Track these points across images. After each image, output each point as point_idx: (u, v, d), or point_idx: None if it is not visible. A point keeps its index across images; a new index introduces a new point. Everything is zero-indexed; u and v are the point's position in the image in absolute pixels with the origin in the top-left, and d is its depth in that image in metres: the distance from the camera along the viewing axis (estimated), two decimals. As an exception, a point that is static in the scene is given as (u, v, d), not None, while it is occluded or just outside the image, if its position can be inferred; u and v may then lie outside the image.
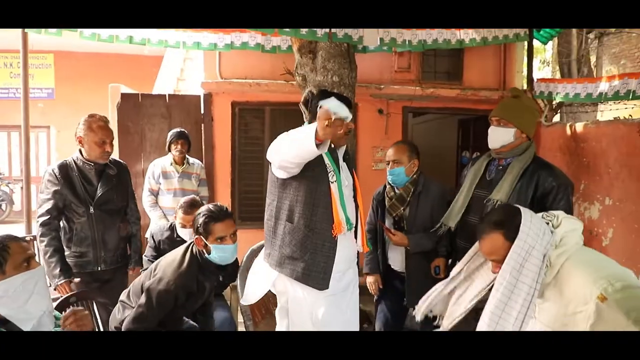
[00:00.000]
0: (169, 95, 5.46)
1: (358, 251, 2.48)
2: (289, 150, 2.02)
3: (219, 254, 2.27)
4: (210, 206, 2.33)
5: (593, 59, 8.63)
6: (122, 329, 2.31)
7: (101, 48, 8.25)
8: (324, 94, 2.38)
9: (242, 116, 5.59)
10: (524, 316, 1.56)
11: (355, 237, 2.43)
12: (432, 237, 2.75)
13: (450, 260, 2.83)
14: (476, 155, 4.01)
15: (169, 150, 4.20)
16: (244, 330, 2.87)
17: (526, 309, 1.56)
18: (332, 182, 2.27)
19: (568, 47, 6.87)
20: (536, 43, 5.81)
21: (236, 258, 2.47)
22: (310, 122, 2.54)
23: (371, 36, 4.20)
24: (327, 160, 2.31)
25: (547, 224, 1.65)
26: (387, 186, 3.01)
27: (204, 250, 2.29)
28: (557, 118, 6.53)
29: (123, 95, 5.28)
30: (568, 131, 5.04)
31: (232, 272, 2.89)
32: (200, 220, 2.25)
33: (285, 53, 4.76)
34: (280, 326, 2.46)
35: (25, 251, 1.53)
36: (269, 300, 3.21)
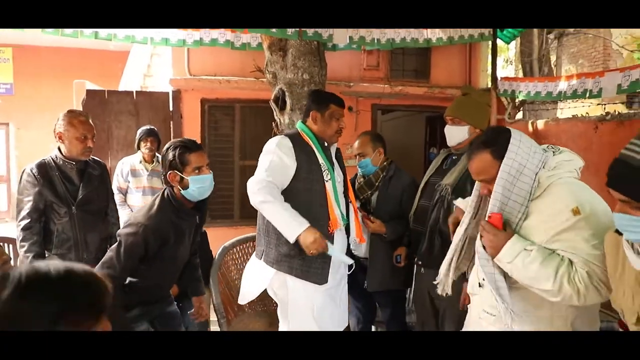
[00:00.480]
0: (136, 92, 5.38)
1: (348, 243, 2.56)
2: (269, 216, 2.22)
3: (197, 185, 2.10)
4: (179, 139, 2.20)
5: (553, 58, 8.94)
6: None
7: (64, 42, 8.02)
8: (321, 97, 2.52)
9: (212, 113, 5.55)
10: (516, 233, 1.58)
11: (347, 231, 2.50)
12: (404, 223, 2.84)
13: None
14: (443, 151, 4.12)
15: (138, 148, 4.13)
16: (218, 329, 2.87)
17: (519, 227, 1.58)
18: (326, 181, 2.33)
19: (530, 47, 7.11)
20: (500, 42, 5.99)
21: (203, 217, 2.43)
22: (304, 120, 2.55)
23: (340, 34, 4.25)
24: (321, 160, 2.36)
25: (552, 153, 1.66)
26: (359, 173, 3.11)
27: (180, 187, 2.12)
28: (520, 115, 6.76)
29: (88, 92, 5.16)
30: (530, 128, 5.23)
31: (205, 213, 2.68)
32: (173, 153, 2.09)
33: (255, 50, 4.75)
34: (283, 325, 2.46)
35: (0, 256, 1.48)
36: (241, 298, 3.23)
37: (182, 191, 2.13)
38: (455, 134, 2.52)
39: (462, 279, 2.14)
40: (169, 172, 2.10)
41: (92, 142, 2.78)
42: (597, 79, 3.90)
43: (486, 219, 1.59)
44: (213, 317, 2.86)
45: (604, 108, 5.10)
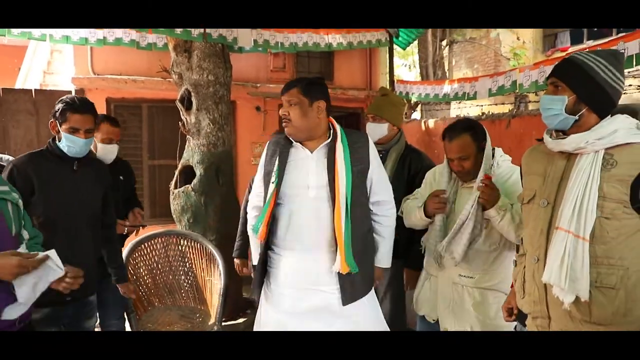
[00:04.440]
0: (35, 90, 5.18)
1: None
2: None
3: (67, 143, 2.11)
4: (76, 97, 2.20)
5: (449, 63, 9.77)
6: None
7: (-51, 36, 7.43)
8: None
9: (119, 113, 5.49)
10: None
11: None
12: None
13: None
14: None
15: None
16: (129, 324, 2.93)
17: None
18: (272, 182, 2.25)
19: (425, 53, 7.76)
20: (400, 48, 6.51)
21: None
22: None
23: (245, 37, 4.44)
24: None
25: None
26: None
27: (56, 137, 2.16)
28: (416, 115, 7.36)
29: (-20, 90, 4.91)
30: (422, 127, 5.77)
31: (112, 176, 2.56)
32: (59, 105, 2.13)
33: (161, 50, 4.80)
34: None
35: None
36: (150, 293, 3.32)
37: (57, 141, 2.17)
38: (377, 131, 2.79)
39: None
40: (51, 120, 2.15)
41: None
42: (472, 83, 4.46)
43: (479, 181, 1.98)
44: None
45: (481, 108, 5.75)
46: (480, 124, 2.14)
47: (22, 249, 1.59)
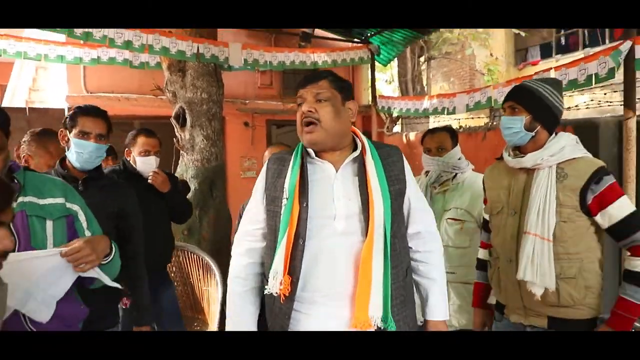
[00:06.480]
0: (29, 108, 5.30)
1: None
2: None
3: (76, 149, 1.93)
4: (85, 104, 2.09)
5: (427, 78, 10.15)
6: None
7: None
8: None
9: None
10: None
11: None
12: None
13: None
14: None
15: None
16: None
17: None
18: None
19: (405, 68, 8.09)
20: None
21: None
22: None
23: (236, 57, 4.64)
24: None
25: None
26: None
27: (66, 147, 2.00)
28: (397, 128, 7.66)
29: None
30: (404, 139, 6.06)
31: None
32: (70, 113, 2.02)
33: (153, 69, 4.96)
34: None
35: None
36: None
37: (67, 152, 2.00)
38: None
39: None
40: (60, 129, 2.01)
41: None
42: (450, 99, 4.74)
43: None
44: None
45: (459, 122, 6.06)
46: (455, 131, 2.56)
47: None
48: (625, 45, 2.74)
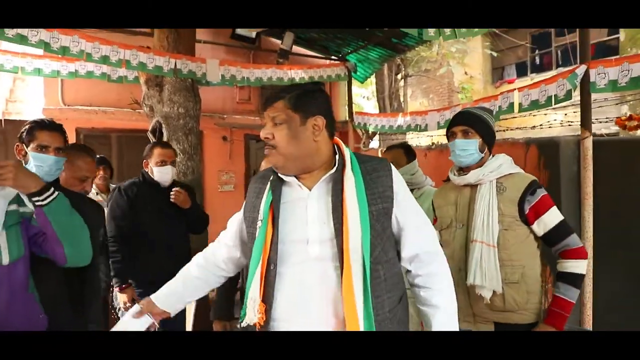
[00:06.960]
0: (4, 120, 5.28)
1: None
2: None
3: (36, 162, 1.93)
4: (40, 118, 2.07)
5: (404, 94, 10.36)
6: None
7: None
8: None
9: (88, 142, 5.65)
10: None
11: None
12: None
13: None
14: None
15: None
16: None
17: None
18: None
19: (382, 85, 8.26)
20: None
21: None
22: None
23: (213, 73, 4.71)
24: None
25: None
26: None
27: (23, 161, 1.97)
28: (375, 144, 7.80)
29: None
30: (379, 155, 6.19)
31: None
32: (26, 127, 1.99)
33: (131, 83, 5.00)
34: None
35: None
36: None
37: (25, 166, 1.91)
38: None
39: None
40: (16, 144, 1.99)
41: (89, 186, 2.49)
42: (423, 116, 4.89)
43: None
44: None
45: (432, 139, 6.22)
46: (412, 148, 2.92)
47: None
48: (581, 69, 2.89)
